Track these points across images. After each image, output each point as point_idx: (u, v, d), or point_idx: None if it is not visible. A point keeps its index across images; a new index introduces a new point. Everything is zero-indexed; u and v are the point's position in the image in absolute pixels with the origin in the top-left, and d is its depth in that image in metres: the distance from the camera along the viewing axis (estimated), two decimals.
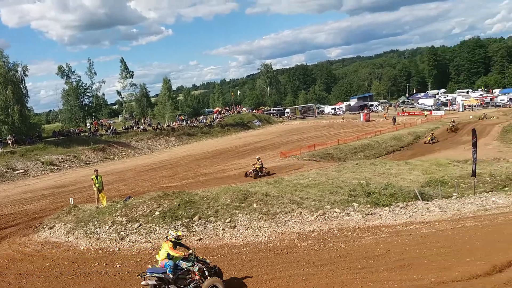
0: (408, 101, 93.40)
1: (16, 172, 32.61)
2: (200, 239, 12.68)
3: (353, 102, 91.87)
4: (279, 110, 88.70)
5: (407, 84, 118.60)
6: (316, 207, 14.82)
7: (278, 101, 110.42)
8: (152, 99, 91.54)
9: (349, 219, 13.89)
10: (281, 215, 14.03)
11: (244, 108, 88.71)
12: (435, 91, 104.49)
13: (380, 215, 14.20)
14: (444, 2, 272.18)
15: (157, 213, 14.12)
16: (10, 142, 37.93)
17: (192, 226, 13.45)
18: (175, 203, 14.65)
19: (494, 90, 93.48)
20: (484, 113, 57.97)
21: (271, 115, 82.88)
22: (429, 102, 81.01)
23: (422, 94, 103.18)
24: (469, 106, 71.24)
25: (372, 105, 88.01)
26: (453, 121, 44.93)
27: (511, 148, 37.19)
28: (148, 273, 9.06)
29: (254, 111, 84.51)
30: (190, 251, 9.24)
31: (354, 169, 24.35)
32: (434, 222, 13.36)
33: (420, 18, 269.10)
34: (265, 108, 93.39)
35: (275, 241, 12.30)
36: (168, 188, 22.25)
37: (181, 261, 9.11)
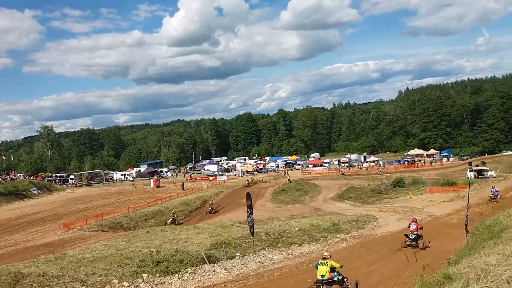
0: (195, 167, 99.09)
1: None
2: None
3: (143, 168, 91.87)
4: (63, 176, 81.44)
5: (194, 152, 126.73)
6: (102, 283, 13.80)
7: (62, 166, 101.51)
8: None
9: None
10: None
11: (19, 175, 79.40)
12: (218, 158, 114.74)
13: (169, 284, 14.21)
14: (222, 81, 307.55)
15: None
16: None
17: None
18: None
19: (265, 158, 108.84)
20: (246, 179, 64.42)
21: (53, 182, 75.09)
22: (214, 168, 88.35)
23: (207, 160, 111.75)
24: (247, 171, 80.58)
25: (162, 171, 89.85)
26: (212, 203, 43.86)
27: (281, 207, 43.50)
28: (324, 282, 11.46)
29: (32, 177, 75.37)
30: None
31: (145, 237, 24.01)
32: (221, 284, 14.19)
33: (202, 92, 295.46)
34: (46, 174, 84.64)
35: None
36: None
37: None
